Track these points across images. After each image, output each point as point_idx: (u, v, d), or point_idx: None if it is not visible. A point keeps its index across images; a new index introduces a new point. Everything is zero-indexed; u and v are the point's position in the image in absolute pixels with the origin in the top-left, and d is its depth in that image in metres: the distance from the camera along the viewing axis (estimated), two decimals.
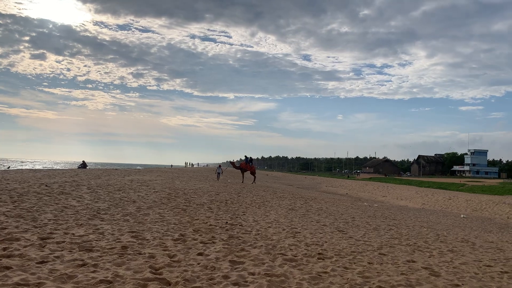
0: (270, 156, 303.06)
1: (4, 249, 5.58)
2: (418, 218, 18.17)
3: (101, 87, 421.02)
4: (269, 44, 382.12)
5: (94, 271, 4.96)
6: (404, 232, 12.20)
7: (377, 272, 6.44)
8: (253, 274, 5.61)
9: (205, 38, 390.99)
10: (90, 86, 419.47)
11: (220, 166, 35.42)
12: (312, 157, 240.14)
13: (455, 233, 13.23)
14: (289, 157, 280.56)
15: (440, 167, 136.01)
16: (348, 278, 5.85)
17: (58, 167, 54.21)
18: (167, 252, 6.46)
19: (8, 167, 39.79)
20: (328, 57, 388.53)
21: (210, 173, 49.58)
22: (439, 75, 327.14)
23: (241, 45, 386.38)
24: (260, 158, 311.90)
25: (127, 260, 5.70)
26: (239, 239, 8.16)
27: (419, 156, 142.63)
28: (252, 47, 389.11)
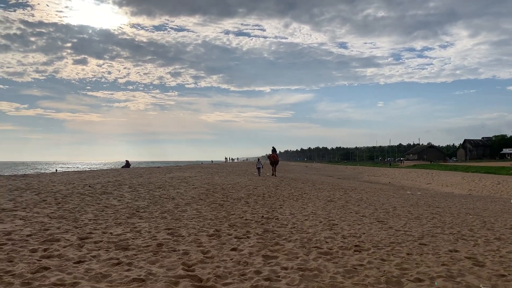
0: (309, 148, 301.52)
1: (45, 250, 5.80)
2: (463, 205, 17.47)
3: (141, 88, 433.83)
4: (303, 34, 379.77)
5: (128, 270, 5.06)
6: (447, 220, 11.74)
7: (416, 264, 6.21)
8: (286, 268, 5.54)
9: (239, 33, 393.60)
10: (130, 87, 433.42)
11: (259, 160, 35.21)
12: (353, 147, 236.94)
13: (504, 220, 12.59)
14: (329, 147, 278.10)
15: (488, 151, 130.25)
16: (384, 271, 5.67)
17: (104, 168, 56.07)
18: (201, 248, 6.51)
19: (56, 170, 41.59)
20: (365, 43, 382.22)
21: (249, 167, 49.82)
22: (484, 55, 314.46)
23: (275, 37, 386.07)
24: (299, 150, 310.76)
25: (161, 257, 5.78)
26: (274, 233, 8.11)
27: (465, 140, 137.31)
28: (286, 38, 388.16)
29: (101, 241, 6.57)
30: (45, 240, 6.38)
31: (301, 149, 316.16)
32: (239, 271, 5.31)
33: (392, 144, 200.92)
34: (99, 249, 6.04)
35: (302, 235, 8.13)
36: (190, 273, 5.08)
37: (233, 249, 6.56)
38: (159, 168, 37.36)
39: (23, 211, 9.04)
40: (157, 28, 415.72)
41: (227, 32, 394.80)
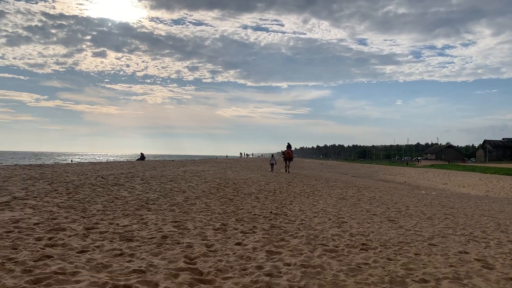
0: (325, 145, 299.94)
1: (50, 238, 5.85)
2: (479, 206, 17.14)
3: (159, 82, 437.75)
4: (322, 30, 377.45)
5: (129, 261, 5.06)
6: (461, 221, 11.51)
7: (423, 264, 6.08)
8: (288, 264, 5.48)
9: (257, 28, 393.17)
10: (148, 81, 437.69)
11: (273, 156, 35.07)
12: (370, 145, 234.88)
13: None
14: (345, 145, 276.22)
15: (508, 152, 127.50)
16: (389, 270, 5.56)
17: (119, 160, 56.67)
18: (205, 241, 6.48)
19: (71, 161, 42.21)
20: (385, 40, 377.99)
21: (263, 162, 49.77)
22: (507, 54, 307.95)
23: (294, 32, 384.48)
24: (315, 147, 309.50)
25: (164, 249, 5.77)
26: (281, 229, 8.05)
27: (485, 141, 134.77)
28: (305, 34, 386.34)
29: (106, 232, 6.59)
30: (51, 229, 6.44)
31: (317, 146, 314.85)
32: (240, 265, 5.26)
33: (410, 143, 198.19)
34: (103, 240, 6.07)
35: (309, 231, 8.04)
36: (191, 266, 5.06)
37: (238, 244, 6.52)
38: (173, 161, 37.58)
39: (34, 200, 9.16)
40: (176, 22, 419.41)
41: (245, 27, 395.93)
